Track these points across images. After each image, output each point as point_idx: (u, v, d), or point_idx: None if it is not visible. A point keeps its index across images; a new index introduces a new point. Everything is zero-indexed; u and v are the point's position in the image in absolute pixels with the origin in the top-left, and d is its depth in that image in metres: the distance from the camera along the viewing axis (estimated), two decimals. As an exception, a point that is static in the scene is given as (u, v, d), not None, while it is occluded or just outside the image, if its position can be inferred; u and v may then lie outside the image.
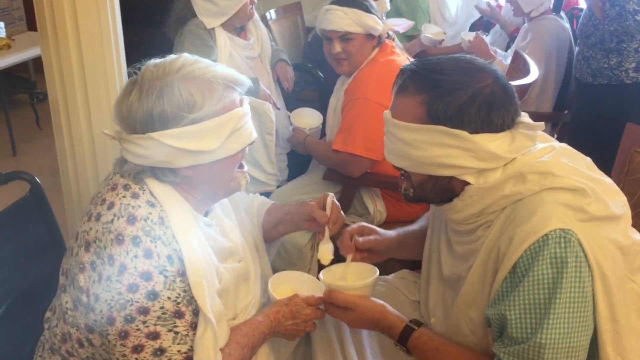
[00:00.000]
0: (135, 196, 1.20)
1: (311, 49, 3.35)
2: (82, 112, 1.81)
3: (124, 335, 1.14)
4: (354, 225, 1.55)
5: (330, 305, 1.39)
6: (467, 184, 1.22)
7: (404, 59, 2.32)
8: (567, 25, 3.30)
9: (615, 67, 2.80)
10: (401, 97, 1.25)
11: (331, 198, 1.50)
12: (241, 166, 1.34)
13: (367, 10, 2.24)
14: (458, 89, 1.18)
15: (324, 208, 1.50)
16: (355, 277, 1.47)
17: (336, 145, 2.22)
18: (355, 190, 2.32)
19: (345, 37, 2.25)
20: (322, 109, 2.76)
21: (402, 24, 2.52)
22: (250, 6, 2.49)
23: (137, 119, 1.20)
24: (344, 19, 2.21)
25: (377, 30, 2.25)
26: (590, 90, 2.93)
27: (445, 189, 1.26)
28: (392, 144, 1.27)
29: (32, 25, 4.07)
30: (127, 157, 1.23)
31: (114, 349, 1.16)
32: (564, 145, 1.29)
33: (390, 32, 2.40)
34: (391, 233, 1.58)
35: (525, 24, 3.35)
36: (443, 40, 3.47)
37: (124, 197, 1.20)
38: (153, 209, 1.20)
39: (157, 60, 1.26)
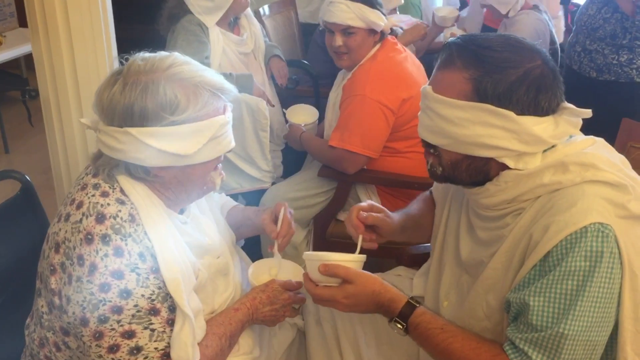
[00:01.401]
0: (104, 195, 1.19)
1: (321, 36, 3.27)
2: (73, 109, 1.79)
3: (98, 335, 1.13)
4: (363, 203, 1.48)
5: (317, 287, 1.29)
6: (504, 167, 1.20)
7: (405, 56, 2.31)
8: (545, 17, 3.27)
9: (625, 64, 2.74)
10: (446, 72, 1.20)
11: (283, 211, 1.49)
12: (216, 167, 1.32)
13: (371, 5, 2.22)
14: (509, 67, 1.15)
15: (276, 219, 1.49)
16: None
17: (333, 141, 2.20)
18: (350, 187, 2.31)
19: (347, 30, 2.23)
20: (317, 104, 2.75)
21: (405, 20, 2.49)
22: None
23: (116, 111, 1.17)
24: (347, 13, 2.19)
25: (379, 26, 2.23)
26: (593, 85, 2.86)
27: (480, 171, 1.22)
28: (429, 120, 1.22)
29: (23, 22, 4.03)
30: (102, 148, 1.22)
31: (89, 350, 1.15)
32: (601, 139, 1.27)
33: (395, 29, 2.37)
34: (396, 216, 1.53)
35: (504, 22, 3.32)
36: (459, 15, 3.43)
37: (93, 196, 1.19)
38: (123, 207, 1.18)
39: (146, 55, 1.24)
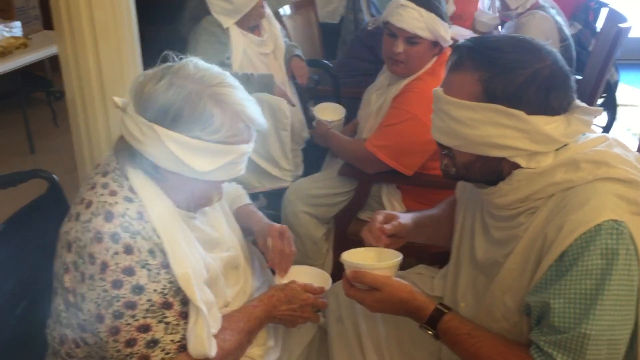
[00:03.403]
0: (113, 194, 1.22)
1: (369, 36, 3.14)
2: (99, 110, 1.82)
3: (114, 331, 1.15)
4: (379, 217, 1.51)
5: (351, 288, 1.35)
6: (516, 167, 1.20)
7: None
8: (552, 12, 3.22)
9: None
10: (456, 74, 1.22)
11: (271, 242, 1.49)
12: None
13: (442, 17, 2.12)
14: (518, 68, 1.15)
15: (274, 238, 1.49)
16: (376, 261, 1.43)
17: (369, 144, 2.17)
18: (370, 187, 2.30)
19: (413, 39, 2.11)
20: (338, 104, 2.76)
21: (466, 35, 2.42)
22: (262, 5, 2.50)
23: (152, 106, 1.19)
24: (418, 21, 2.07)
25: (446, 41, 2.13)
26: None
27: (493, 171, 1.23)
28: (442, 122, 1.24)
29: (47, 24, 4.09)
30: (122, 130, 1.24)
31: (107, 346, 1.17)
32: (615, 136, 1.26)
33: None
34: (409, 216, 1.55)
35: (512, 22, 3.27)
36: (498, 24, 3.40)
37: (101, 195, 1.21)
38: (131, 205, 1.21)
39: (200, 63, 1.26)
